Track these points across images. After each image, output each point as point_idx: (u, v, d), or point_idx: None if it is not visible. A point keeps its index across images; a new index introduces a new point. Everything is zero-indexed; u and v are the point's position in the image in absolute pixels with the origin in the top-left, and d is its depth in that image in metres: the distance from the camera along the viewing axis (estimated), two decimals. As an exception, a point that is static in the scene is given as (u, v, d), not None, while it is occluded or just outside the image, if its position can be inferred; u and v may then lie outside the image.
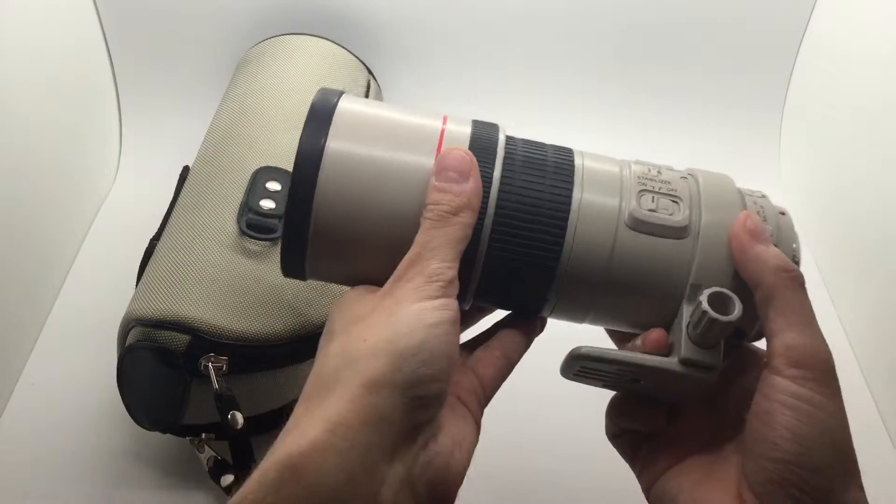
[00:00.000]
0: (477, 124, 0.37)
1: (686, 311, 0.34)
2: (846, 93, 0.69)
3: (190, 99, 0.76)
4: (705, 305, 0.32)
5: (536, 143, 0.37)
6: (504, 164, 0.35)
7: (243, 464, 0.47)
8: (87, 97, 0.72)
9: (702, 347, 0.33)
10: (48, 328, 0.61)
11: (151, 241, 0.56)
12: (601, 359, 0.34)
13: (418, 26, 0.77)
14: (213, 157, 0.58)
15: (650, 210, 0.35)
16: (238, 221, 0.52)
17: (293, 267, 0.36)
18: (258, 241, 0.51)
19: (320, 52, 0.69)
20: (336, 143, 0.34)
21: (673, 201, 0.35)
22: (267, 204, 0.53)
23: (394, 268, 0.33)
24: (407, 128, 0.35)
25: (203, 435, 0.50)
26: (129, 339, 0.47)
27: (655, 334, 0.35)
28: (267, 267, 0.50)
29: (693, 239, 0.35)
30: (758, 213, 0.36)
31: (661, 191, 0.35)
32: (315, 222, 0.34)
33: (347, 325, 0.32)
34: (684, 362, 0.33)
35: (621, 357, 0.34)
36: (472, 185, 0.33)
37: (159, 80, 0.77)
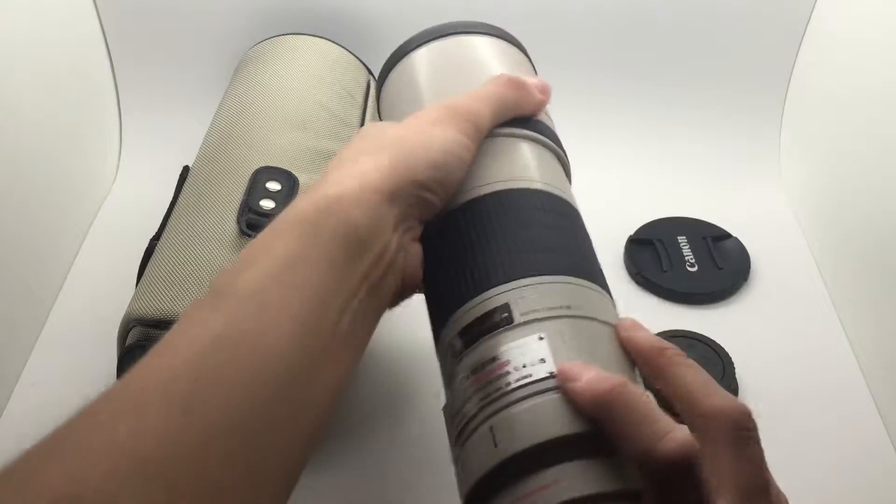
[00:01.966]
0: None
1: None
2: (846, 93, 0.69)
3: (190, 99, 0.76)
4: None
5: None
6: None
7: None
8: (87, 97, 0.72)
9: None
10: (48, 328, 0.61)
11: (151, 241, 0.56)
12: None
13: (418, 27, 0.77)
14: (213, 157, 0.58)
15: None
16: (238, 221, 0.52)
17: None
18: (258, 241, 0.51)
19: (320, 52, 0.69)
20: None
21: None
22: (267, 204, 0.53)
23: None
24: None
25: (203, 435, 0.50)
26: (129, 339, 0.47)
27: None
28: (267, 267, 0.50)
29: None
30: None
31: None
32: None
33: (387, 123, 0.40)
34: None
35: None
36: (543, 96, 0.41)
37: (159, 80, 0.77)
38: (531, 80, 0.41)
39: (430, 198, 0.35)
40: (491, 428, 0.28)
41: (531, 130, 0.40)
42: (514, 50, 0.46)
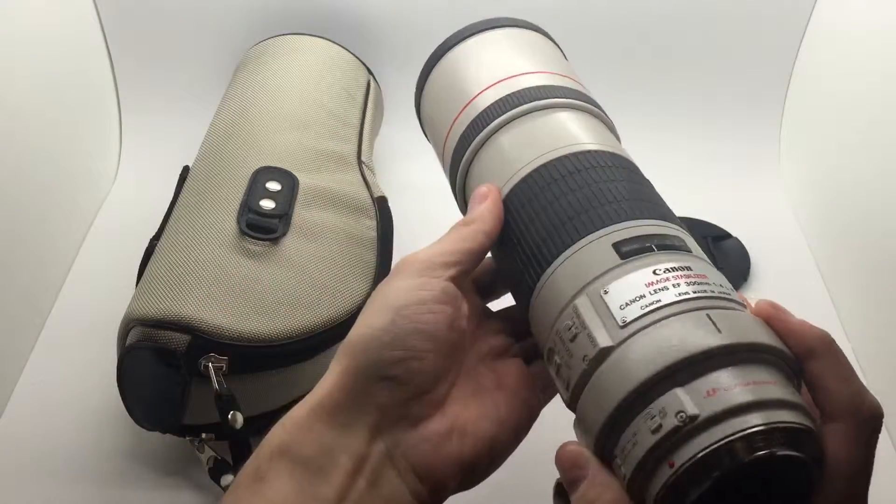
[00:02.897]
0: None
1: None
2: (846, 93, 0.69)
3: (190, 99, 0.76)
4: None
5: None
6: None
7: (243, 464, 0.46)
8: (87, 97, 0.72)
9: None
10: (48, 328, 0.61)
11: (151, 241, 0.56)
12: None
13: (418, 26, 0.77)
14: (213, 157, 0.58)
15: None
16: (238, 221, 0.52)
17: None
18: (258, 241, 0.51)
19: (320, 52, 0.69)
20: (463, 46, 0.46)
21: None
22: (267, 204, 0.53)
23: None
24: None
25: (203, 435, 0.50)
26: (130, 339, 0.47)
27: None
28: (267, 267, 0.50)
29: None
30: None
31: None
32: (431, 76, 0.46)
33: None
34: None
35: None
36: (487, 204, 0.36)
37: (159, 80, 0.77)
38: (476, 213, 0.37)
39: (402, 371, 0.32)
40: (709, 315, 0.29)
41: (565, 98, 0.41)
42: (538, 37, 0.50)
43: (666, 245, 0.32)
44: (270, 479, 0.31)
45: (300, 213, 0.54)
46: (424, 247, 0.35)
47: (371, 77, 0.72)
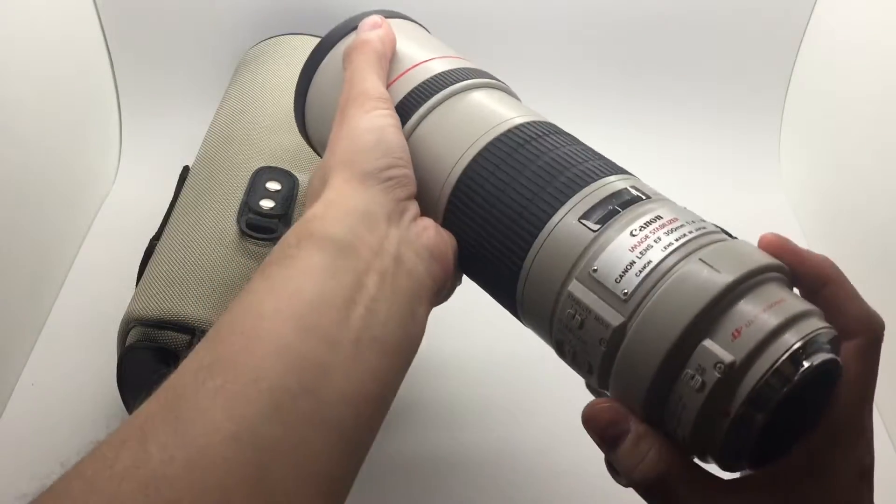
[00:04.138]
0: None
1: None
2: (846, 93, 0.69)
3: (190, 99, 0.76)
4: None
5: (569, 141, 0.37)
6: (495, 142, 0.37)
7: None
8: (87, 97, 0.72)
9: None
10: (48, 328, 0.61)
11: (151, 241, 0.56)
12: None
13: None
14: (213, 157, 0.58)
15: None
16: (238, 221, 0.52)
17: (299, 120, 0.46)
18: (258, 242, 0.51)
19: (320, 52, 0.69)
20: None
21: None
22: (267, 204, 0.53)
23: None
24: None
25: (203, 435, 0.50)
26: (130, 339, 0.47)
27: None
28: (267, 267, 0.50)
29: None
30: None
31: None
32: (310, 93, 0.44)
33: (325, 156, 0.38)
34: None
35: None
36: (383, 29, 0.41)
37: (159, 80, 0.77)
38: (365, 27, 0.42)
39: (395, 174, 0.35)
40: (701, 259, 0.29)
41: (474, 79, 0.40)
42: (411, 25, 0.47)
43: (626, 201, 0.33)
44: (300, 255, 0.32)
45: (300, 213, 0.54)
46: (346, 77, 0.39)
47: (371, 77, 0.72)
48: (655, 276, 0.29)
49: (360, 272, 0.31)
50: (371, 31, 0.41)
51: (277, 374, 0.27)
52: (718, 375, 0.27)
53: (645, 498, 0.30)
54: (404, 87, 0.40)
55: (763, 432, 0.28)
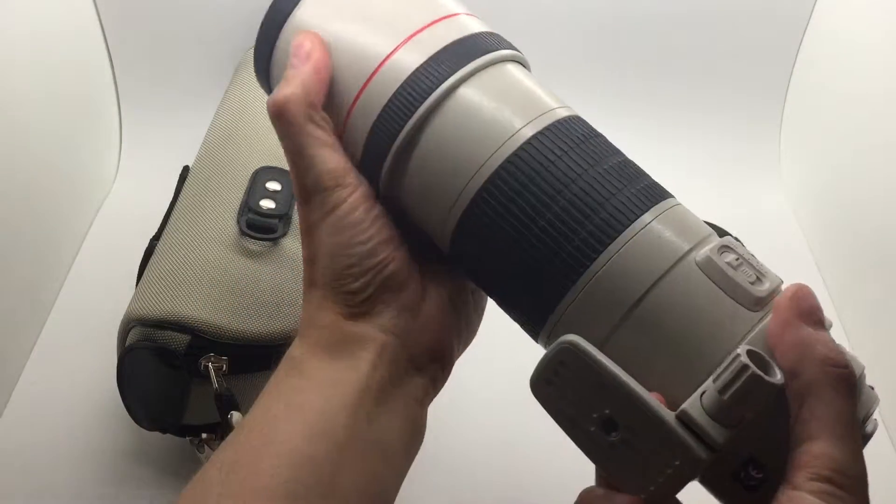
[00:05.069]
0: (483, 34, 0.35)
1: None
2: (846, 93, 0.69)
3: (190, 99, 0.76)
4: (744, 358, 0.26)
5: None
6: (467, 76, 0.32)
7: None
8: (87, 97, 0.72)
9: (712, 418, 0.26)
10: (48, 328, 0.61)
11: (151, 241, 0.56)
12: (592, 360, 0.28)
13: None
14: (213, 157, 0.58)
15: (729, 264, 0.29)
16: (238, 221, 0.52)
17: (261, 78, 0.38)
18: (258, 241, 0.51)
19: (320, 52, 0.69)
20: (305, 9, 0.35)
21: (758, 277, 0.30)
22: (267, 204, 0.53)
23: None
24: (397, 6, 0.35)
25: (203, 435, 0.50)
26: (129, 339, 0.47)
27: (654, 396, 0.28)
28: (267, 267, 0.50)
29: (761, 317, 0.29)
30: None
31: (748, 260, 0.30)
32: (274, 57, 0.36)
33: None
34: (682, 418, 0.26)
35: (613, 371, 0.27)
36: (305, 69, 0.33)
37: (159, 81, 0.77)
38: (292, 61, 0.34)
39: (375, 277, 0.33)
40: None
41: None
42: None
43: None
44: (305, 367, 0.34)
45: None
46: (304, 171, 0.34)
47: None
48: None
49: (362, 382, 0.33)
50: (289, 83, 0.33)
51: (291, 472, 0.30)
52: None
53: None
54: (420, 52, 0.33)
55: None
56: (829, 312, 0.70)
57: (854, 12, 0.69)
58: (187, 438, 0.51)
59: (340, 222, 0.33)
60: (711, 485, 0.29)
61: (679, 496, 0.28)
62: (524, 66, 0.36)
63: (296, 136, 0.33)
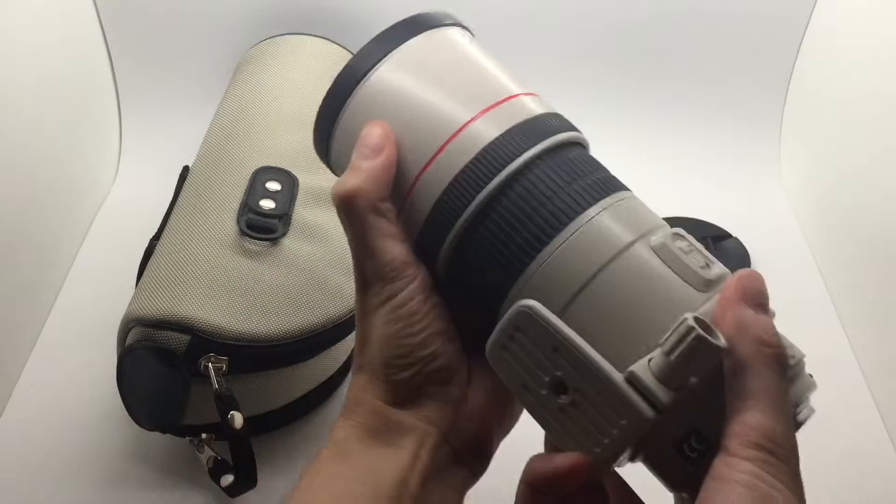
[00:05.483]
0: (550, 115, 0.35)
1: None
2: (846, 93, 0.69)
3: (190, 99, 0.76)
4: (691, 321, 0.27)
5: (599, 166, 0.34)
6: (541, 153, 0.32)
7: (243, 464, 0.46)
8: (87, 97, 0.72)
9: (659, 380, 0.28)
10: (48, 328, 0.61)
11: (151, 241, 0.56)
12: (547, 322, 0.29)
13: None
14: (213, 157, 0.58)
15: (681, 249, 0.31)
16: (238, 221, 0.52)
17: (321, 145, 0.38)
18: (258, 241, 0.51)
19: (320, 52, 0.69)
20: (386, 70, 0.35)
21: (707, 263, 0.31)
22: (267, 204, 0.53)
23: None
24: (470, 78, 0.35)
25: (203, 435, 0.50)
26: (129, 339, 0.47)
27: None
28: (267, 267, 0.50)
29: (709, 297, 0.30)
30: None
31: (699, 248, 0.31)
32: (342, 121, 0.36)
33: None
34: (630, 379, 0.28)
35: (566, 332, 0.29)
36: (362, 179, 0.33)
37: (159, 80, 0.77)
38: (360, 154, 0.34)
39: (420, 369, 0.34)
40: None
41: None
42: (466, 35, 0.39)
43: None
44: (348, 451, 0.33)
45: (300, 213, 0.54)
46: (363, 259, 0.34)
47: (371, 77, 0.72)
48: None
49: (404, 472, 0.33)
50: (353, 179, 0.33)
51: None
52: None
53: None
54: (498, 122, 0.33)
55: None
56: (829, 312, 0.71)
57: (854, 12, 0.69)
58: (187, 438, 0.51)
59: (395, 312, 0.33)
60: (654, 459, 0.30)
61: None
62: (585, 147, 0.36)
63: (360, 227, 0.33)
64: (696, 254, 0.31)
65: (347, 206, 0.33)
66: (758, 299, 0.29)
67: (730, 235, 0.69)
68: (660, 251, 0.31)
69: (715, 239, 0.68)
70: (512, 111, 0.34)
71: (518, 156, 0.32)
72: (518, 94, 0.35)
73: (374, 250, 0.33)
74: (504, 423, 0.36)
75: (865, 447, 0.55)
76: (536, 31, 0.77)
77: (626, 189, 0.34)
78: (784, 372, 0.28)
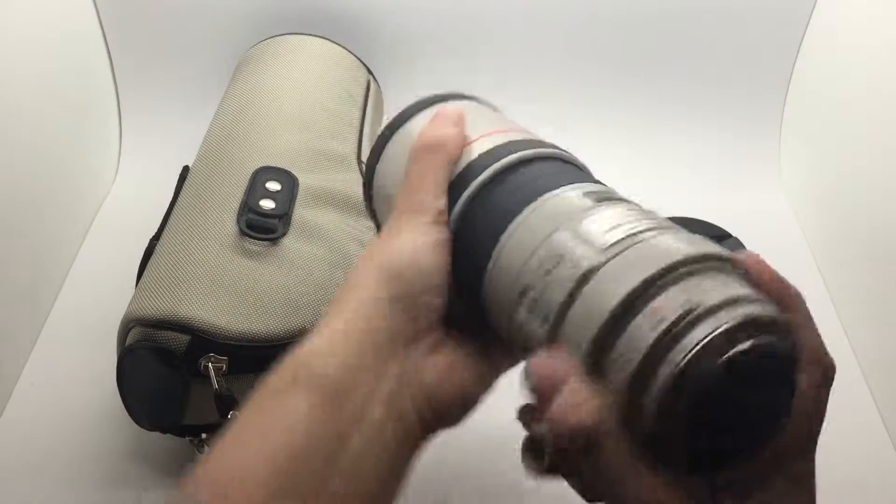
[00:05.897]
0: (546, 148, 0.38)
1: None
2: (846, 93, 0.69)
3: (190, 99, 0.76)
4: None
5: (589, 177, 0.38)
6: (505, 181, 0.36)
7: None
8: (87, 97, 0.72)
9: None
10: (48, 328, 0.61)
11: (151, 241, 0.56)
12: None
13: (418, 26, 0.77)
14: (213, 157, 0.58)
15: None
16: (238, 221, 0.52)
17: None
18: (258, 241, 0.51)
19: (320, 52, 0.69)
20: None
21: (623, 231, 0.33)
22: (267, 204, 0.53)
23: None
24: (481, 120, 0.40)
25: (203, 435, 0.50)
26: (129, 339, 0.47)
27: None
28: (267, 267, 0.50)
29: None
30: None
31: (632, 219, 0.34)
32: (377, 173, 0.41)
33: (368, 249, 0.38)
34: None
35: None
36: (455, 131, 0.37)
37: (159, 80, 0.77)
38: (441, 121, 0.38)
39: (425, 300, 0.34)
40: (675, 235, 0.32)
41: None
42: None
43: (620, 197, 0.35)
44: (290, 396, 0.33)
45: (300, 213, 0.54)
46: (408, 179, 0.37)
47: (371, 77, 0.72)
48: (640, 237, 0.31)
49: (348, 423, 0.32)
50: (450, 128, 0.38)
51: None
52: (682, 313, 0.27)
53: (568, 453, 0.29)
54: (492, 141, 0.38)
55: (698, 411, 0.27)
56: (829, 311, 0.71)
57: (854, 12, 0.69)
58: (187, 438, 0.51)
59: (427, 238, 0.35)
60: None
61: None
62: (581, 168, 0.40)
63: (438, 168, 0.37)
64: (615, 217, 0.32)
65: (439, 147, 0.37)
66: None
67: (730, 235, 0.69)
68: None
69: (715, 239, 0.68)
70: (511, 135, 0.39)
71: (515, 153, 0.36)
72: (511, 130, 0.39)
73: (443, 187, 0.36)
74: (467, 399, 0.36)
75: (865, 447, 0.55)
76: (537, 32, 0.77)
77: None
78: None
